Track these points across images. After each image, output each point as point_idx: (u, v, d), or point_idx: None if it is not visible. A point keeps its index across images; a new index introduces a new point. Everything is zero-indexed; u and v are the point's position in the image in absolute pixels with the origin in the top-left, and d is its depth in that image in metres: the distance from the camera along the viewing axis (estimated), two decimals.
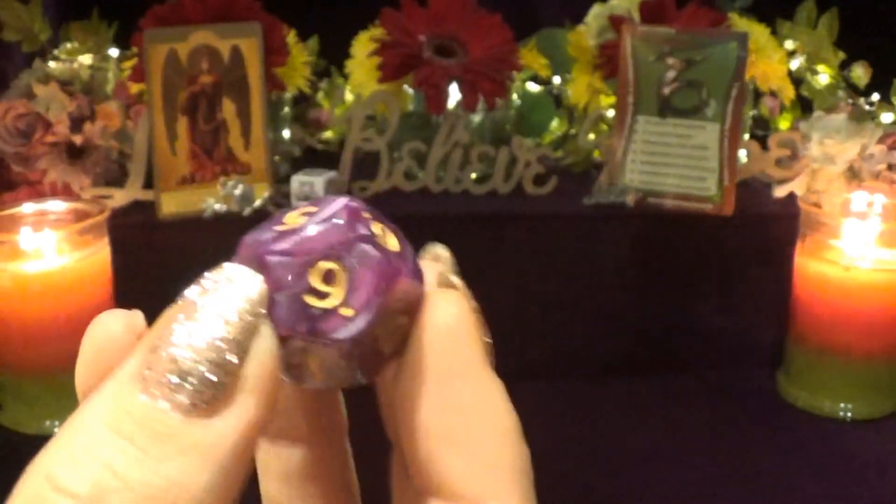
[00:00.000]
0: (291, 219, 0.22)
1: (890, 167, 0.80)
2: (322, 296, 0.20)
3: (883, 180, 0.79)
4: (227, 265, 0.23)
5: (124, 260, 0.74)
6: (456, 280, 0.26)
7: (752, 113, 0.94)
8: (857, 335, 0.72)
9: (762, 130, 0.97)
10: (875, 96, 0.92)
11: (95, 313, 0.75)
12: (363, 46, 0.84)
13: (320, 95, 0.98)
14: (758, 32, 0.89)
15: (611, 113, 0.86)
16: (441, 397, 0.22)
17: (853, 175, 0.82)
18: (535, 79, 0.94)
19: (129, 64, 0.84)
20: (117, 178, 0.82)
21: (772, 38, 0.90)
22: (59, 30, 0.93)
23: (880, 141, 0.81)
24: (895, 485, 0.64)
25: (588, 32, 0.87)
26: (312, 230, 0.21)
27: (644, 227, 0.79)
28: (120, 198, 0.78)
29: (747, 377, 0.80)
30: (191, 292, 0.23)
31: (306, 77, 0.87)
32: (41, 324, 0.68)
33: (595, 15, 0.87)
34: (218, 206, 0.76)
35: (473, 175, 0.82)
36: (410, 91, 0.84)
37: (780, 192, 0.83)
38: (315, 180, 0.76)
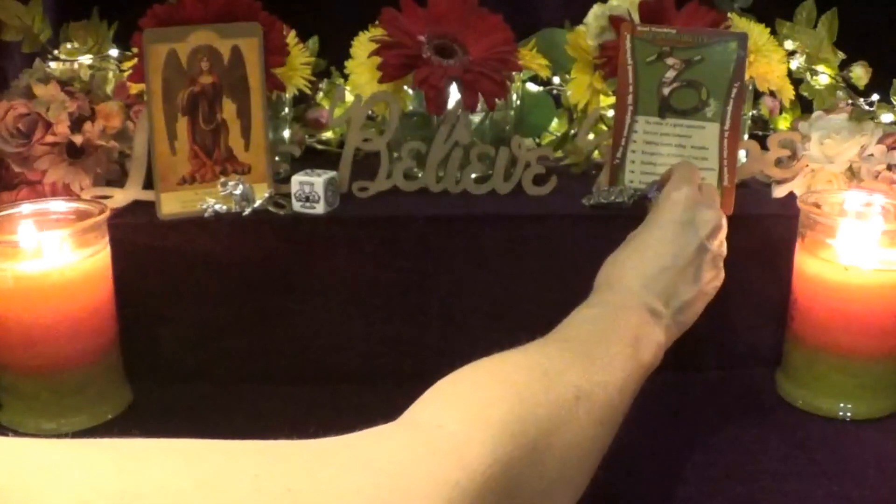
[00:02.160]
0: None
1: (889, 167, 0.80)
2: None
3: (882, 180, 0.80)
4: None
5: (124, 260, 0.74)
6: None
7: (751, 113, 0.94)
8: (856, 335, 0.72)
9: (762, 130, 0.97)
10: (875, 96, 0.92)
11: (95, 313, 0.76)
12: (363, 46, 0.84)
13: (320, 95, 0.98)
14: (757, 32, 0.89)
15: (610, 113, 0.86)
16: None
17: (852, 175, 0.82)
18: (535, 79, 0.94)
19: (129, 64, 0.84)
20: (117, 178, 0.82)
21: (771, 38, 0.90)
22: (59, 30, 0.94)
23: (880, 141, 0.81)
24: (895, 485, 0.64)
25: (588, 32, 0.87)
26: None
27: None
28: (120, 198, 0.78)
29: (747, 377, 0.80)
30: None
31: (306, 77, 0.86)
32: (41, 324, 0.68)
33: (595, 15, 0.87)
34: (218, 206, 0.76)
35: (473, 175, 0.82)
36: (410, 91, 0.84)
37: (779, 192, 0.83)
38: (315, 180, 0.76)
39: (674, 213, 0.64)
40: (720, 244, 0.67)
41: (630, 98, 0.79)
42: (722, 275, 0.68)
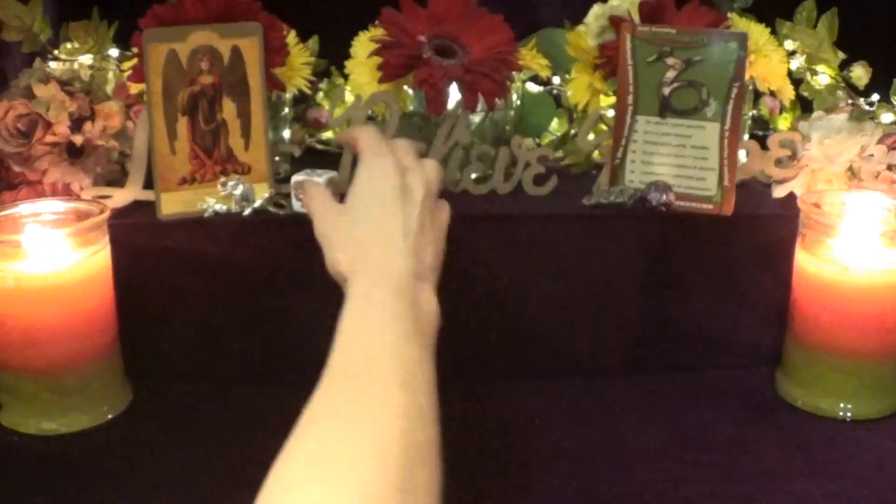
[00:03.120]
0: None
1: (890, 167, 0.80)
2: None
3: (882, 180, 0.80)
4: None
5: (124, 260, 0.74)
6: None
7: (751, 113, 0.94)
8: (856, 335, 0.72)
9: (762, 130, 0.97)
10: (875, 96, 0.92)
11: (96, 313, 0.76)
12: (363, 46, 0.84)
13: (320, 96, 0.98)
14: (758, 32, 0.89)
15: (610, 113, 0.86)
16: None
17: (853, 175, 0.82)
18: (535, 79, 0.94)
19: (129, 64, 0.84)
20: (117, 178, 0.82)
21: (772, 38, 0.90)
22: (59, 30, 0.94)
23: (880, 141, 0.81)
24: (895, 485, 0.64)
25: (588, 32, 0.87)
26: None
27: (644, 227, 0.79)
28: (120, 198, 0.78)
29: (747, 377, 0.80)
30: None
31: (306, 77, 0.86)
32: (41, 324, 0.68)
33: (595, 15, 0.87)
34: (218, 206, 0.76)
35: (473, 175, 0.82)
36: (410, 91, 0.84)
37: (779, 192, 0.83)
38: (315, 180, 0.76)
39: (387, 182, 0.61)
40: (430, 191, 0.64)
41: (630, 98, 0.79)
42: (443, 207, 0.65)
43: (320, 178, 0.77)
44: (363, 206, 0.61)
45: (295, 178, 0.77)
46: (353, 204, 0.62)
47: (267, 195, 0.78)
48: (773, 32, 0.91)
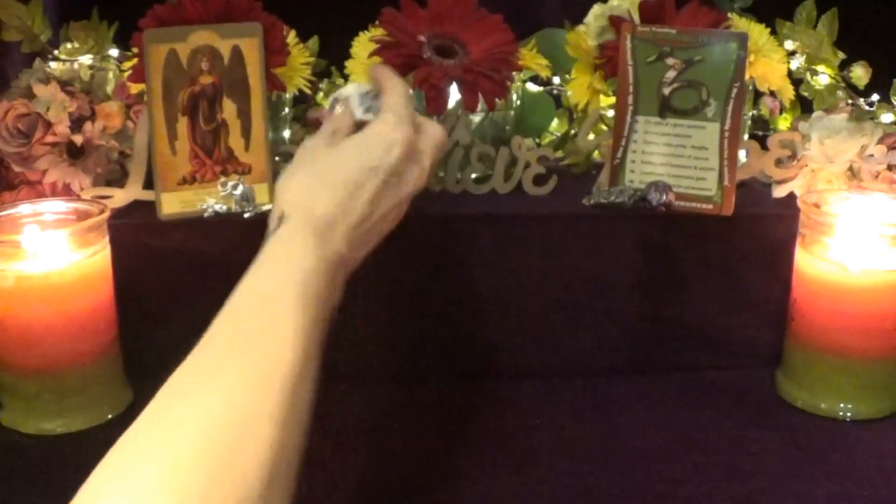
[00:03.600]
0: None
1: (889, 167, 0.80)
2: None
3: (882, 180, 0.80)
4: None
5: (124, 260, 0.74)
6: None
7: (751, 113, 0.94)
8: (856, 335, 0.72)
9: (762, 130, 0.97)
10: (875, 96, 0.92)
11: (96, 313, 0.76)
12: (363, 46, 0.84)
13: (320, 96, 0.98)
14: (758, 32, 0.89)
15: (610, 113, 0.86)
16: None
17: (852, 175, 0.82)
18: (535, 79, 0.94)
19: (129, 64, 0.84)
20: (117, 178, 0.82)
21: (772, 38, 0.90)
22: (59, 30, 0.94)
23: (880, 141, 0.81)
24: (895, 485, 0.64)
25: (588, 33, 0.87)
26: None
27: (644, 227, 0.79)
28: (120, 198, 0.78)
29: (747, 377, 0.80)
30: None
31: (306, 77, 0.87)
32: (41, 324, 0.68)
33: (595, 15, 0.87)
34: (218, 207, 0.76)
35: (473, 175, 0.82)
36: (411, 91, 0.84)
37: (779, 192, 0.83)
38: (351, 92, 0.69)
39: (386, 157, 0.58)
40: (424, 152, 0.60)
41: (630, 98, 0.79)
42: (426, 166, 0.60)
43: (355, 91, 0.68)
44: (341, 169, 0.60)
45: (343, 90, 0.68)
46: (338, 162, 0.61)
47: (267, 195, 0.77)
48: (773, 32, 0.91)
